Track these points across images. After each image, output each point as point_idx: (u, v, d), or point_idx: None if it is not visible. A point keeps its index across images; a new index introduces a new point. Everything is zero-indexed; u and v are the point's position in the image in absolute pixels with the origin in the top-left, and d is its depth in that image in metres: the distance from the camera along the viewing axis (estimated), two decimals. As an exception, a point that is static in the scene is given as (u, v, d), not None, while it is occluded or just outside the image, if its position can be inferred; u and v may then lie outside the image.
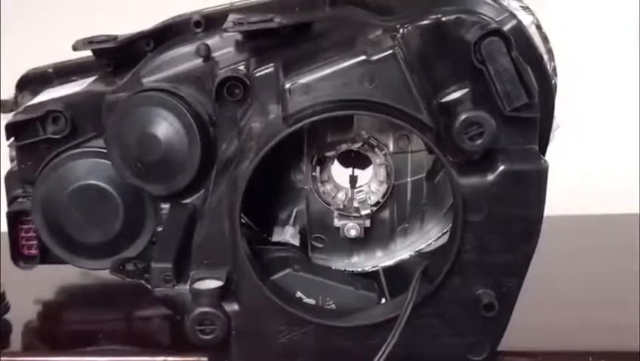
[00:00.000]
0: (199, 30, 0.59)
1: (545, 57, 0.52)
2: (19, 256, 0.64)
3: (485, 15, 0.51)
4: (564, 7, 0.97)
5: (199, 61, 0.57)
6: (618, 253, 0.75)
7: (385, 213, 0.58)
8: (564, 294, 0.67)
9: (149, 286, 0.54)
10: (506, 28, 0.50)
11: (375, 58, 0.50)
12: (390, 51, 0.50)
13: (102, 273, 0.61)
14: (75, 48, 0.62)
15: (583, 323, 0.62)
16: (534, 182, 0.50)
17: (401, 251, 0.59)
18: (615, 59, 0.98)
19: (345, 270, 0.59)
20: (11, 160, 0.64)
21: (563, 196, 0.88)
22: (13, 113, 0.64)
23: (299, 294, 0.55)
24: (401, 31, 0.50)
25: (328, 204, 0.57)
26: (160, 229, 0.58)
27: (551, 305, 0.64)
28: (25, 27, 1.01)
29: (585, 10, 0.99)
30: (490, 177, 0.50)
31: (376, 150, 0.56)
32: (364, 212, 0.57)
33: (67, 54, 0.64)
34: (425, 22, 0.50)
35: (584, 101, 0.96)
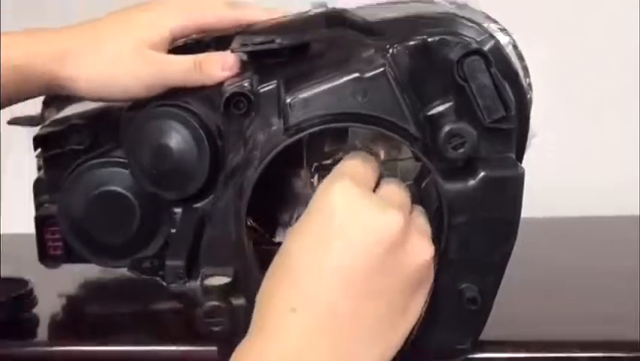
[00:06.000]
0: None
1: (521, 74, 0.54)
2: (45, 256, 0.66)
3: (467, 36, 0.52)
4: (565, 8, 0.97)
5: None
6: (618, 254, 0.76)
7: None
8: (562, 290, 0.68)
9: (164, 283, 0.55)
10: (486, 48, 0.51)
11: (367, 75, 0.51)
12: (381, 69, 0.51)
13: (120, 270, 0.63)
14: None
15: (575, 316, 0.64)
16: (512, 187, 0.52)
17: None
18: (615, 60, 0.98)
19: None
20: (39, 169, 0.66)
21: (564, 198, 0.89)
22: (40, 126, 0.66)
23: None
24: (391, 50, 0.52)
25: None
26: (174, 231, 0.59)
27: (548, 301, 0.66)
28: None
29: (586, 10, 0.99)
30: (472, 183, 0.51)
31: (369, 158, 0.57)
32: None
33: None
34: (413, 42, 0.52)
35: (585, 103, 0.96)
